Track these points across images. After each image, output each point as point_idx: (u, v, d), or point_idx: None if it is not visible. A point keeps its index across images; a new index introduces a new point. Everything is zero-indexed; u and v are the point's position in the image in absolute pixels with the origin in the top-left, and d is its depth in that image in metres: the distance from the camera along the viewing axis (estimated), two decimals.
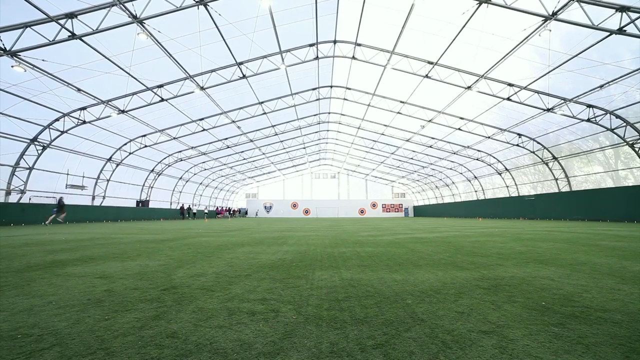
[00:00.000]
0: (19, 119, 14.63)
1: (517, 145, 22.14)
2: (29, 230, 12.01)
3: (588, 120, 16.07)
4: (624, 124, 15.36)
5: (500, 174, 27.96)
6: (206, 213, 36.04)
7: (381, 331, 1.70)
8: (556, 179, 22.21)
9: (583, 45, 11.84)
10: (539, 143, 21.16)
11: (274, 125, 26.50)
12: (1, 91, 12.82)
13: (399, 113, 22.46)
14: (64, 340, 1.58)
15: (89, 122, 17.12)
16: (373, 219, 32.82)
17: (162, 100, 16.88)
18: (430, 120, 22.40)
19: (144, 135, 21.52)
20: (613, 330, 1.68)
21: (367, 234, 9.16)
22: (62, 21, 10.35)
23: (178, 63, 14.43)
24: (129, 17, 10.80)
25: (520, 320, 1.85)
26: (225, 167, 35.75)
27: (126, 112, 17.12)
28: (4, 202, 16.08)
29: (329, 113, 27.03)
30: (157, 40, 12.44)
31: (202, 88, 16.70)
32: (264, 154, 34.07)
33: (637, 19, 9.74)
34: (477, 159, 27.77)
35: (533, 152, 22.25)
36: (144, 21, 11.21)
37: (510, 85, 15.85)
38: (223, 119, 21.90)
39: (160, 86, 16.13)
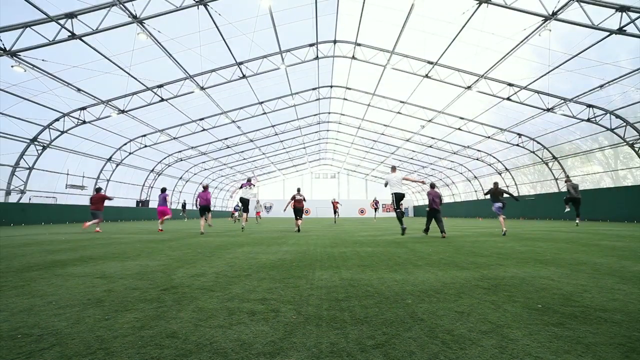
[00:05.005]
0: (19, 119, 14.62)
1: (517, 145, 22.14)
2: (29, 230, 12.01)
3: (588, 120, 16.07)
4: (624, 123, 15.36)
5: (500, 174, 27.96)
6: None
7: (381, 331, 1.70)
8: (556, 179, 22.21)
9: (582, 45, 11.83)
10: (538, 143, 21.16)
11: (274, 125, 26.49)
12: (1, 91, 12.82)
13: (399, 113, 22.45)
14: (64, 340, 1.58)
15: (89, 122, 17.11)
16: (373, 218, 32.81)
17: (162, 100, 16.87)
18: (430, 120, 22.40)
19: (144, 135, 21.51)
20: (613, 330, 1.68)
21: (366, 233, 9.16)
22: (62, 21, 10.35)
23: (178, 63, 14.42)
24: (129, 17, 10.79)
25: (520, 320, 1.85)
26: (225, 167, 35.74)
27: (126, 112, 17.12)
28: (4, 202, 16.08)
29: (329, 113, 27.03)
30: (157, 40, 12.44)
31: (202, 88, 16.70)
32: (263, 154, 34.06)
33: (637, 18, 9.73)
34: (477, 159, 27.76)
35: (533, 152, 22.25)
36: (144, 21, 11.21)
37: (510, 85, 15.85)
38: (223, 119, 21.89)
39: (160, 86, 16.12)
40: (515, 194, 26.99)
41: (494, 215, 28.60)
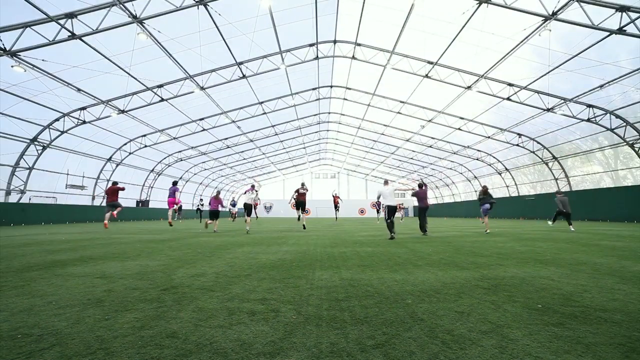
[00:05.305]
0: (19, 119, 14.62)
1: (517, 145, 22.13)
2: (29, 230, 12.01)
3: (588, 120, 16.06)
4: (624, 123, 15.36)
5: (500, 174, 27.96)
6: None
7: (381, 331, 1.70)
8: (556, 179, 22.21)
9: (582, 45, 11.83)
10: (538, 143, 21.16)
11: (274, 125, 26.49)
12: (1, 91, 12.81)
13: (399, 113, 22.44)
14: (64, 340, 1.58)
15: (89, 122, 17.11)
16: (373, 219, 32.82)
17: (162, 100, 16.87)
18: (430, 120, 22.39)
19: (144, 135, 21.51)
20: (613, 330, 1.68)
21: (367, 234, 9.17)
22: (62, 21, 10.34)
23: (178, 63, 14.42)
24: (129, 17, 10.79)
25: (520, 320, 1.85)
26: (225, 167, 35.73)
27: (126, 112, 17.11)
28: (4, 202, 16.07)
29: (329, 113, 27.03)
30: (157, 40, 12.44)
31: (202, 88, 16.70)
32: (263, 154, 34.05)
33: (637, 18, 9.73)
34: (477, 159, 27.76)
35: (533, 152, 22.25)
36: (144, 21, 11.20)
37: (510, 85, 15.84)
38: (223, 119, 21.89)
39: (160, 86, 16.12)
40: (514, 195, 27.03)
41: (492, 215, 28.58)
